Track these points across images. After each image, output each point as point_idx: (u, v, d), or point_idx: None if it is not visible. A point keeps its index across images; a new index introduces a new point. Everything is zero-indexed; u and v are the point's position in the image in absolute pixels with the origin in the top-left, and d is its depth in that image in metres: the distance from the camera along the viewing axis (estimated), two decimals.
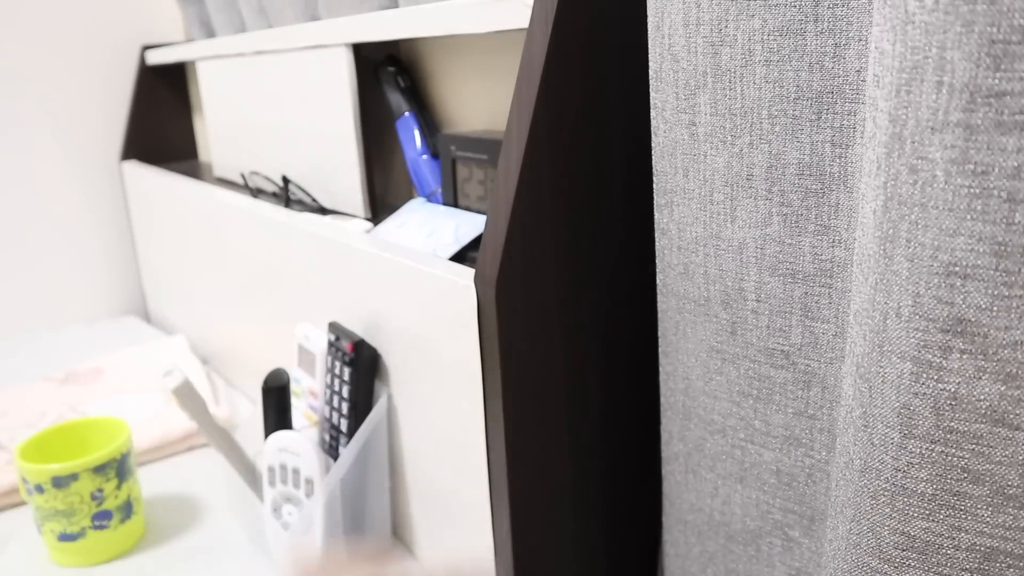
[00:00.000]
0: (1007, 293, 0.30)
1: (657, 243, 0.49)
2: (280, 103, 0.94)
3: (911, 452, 0.34)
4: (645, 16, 0.46)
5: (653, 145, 0.48)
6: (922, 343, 0.33)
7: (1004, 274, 0.30)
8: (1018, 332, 0.30)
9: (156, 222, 1.23)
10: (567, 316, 0.53)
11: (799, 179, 0.42)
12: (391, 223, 0.74)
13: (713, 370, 0.49)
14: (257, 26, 1.03)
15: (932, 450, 0.34)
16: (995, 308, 0.31)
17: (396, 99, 0.83)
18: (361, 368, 0.65)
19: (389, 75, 0.83)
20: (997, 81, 0.28)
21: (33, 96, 1.25)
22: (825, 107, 0.40)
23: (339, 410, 0.67)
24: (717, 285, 0.47)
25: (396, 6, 0.76)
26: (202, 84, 1.15)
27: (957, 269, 0.31)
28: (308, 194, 0.92)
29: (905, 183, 0.32)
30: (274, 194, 0.99)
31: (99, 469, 0.70)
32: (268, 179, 0.98)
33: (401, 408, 0.65)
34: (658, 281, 0.50)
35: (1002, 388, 0.31)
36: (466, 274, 0.53)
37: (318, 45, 0.82)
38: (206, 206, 1.00)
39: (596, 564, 0.61)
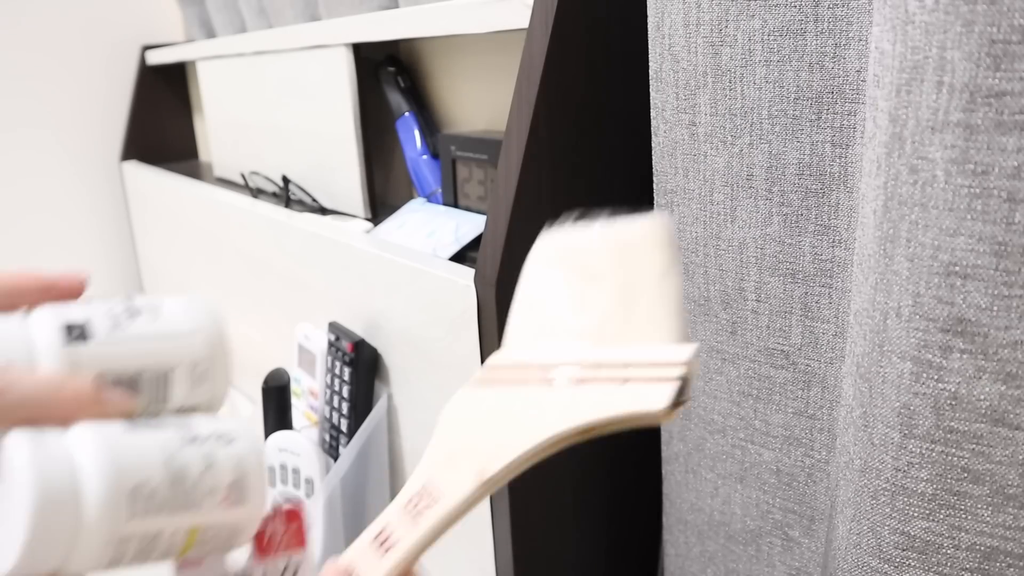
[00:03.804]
0: (1007, 293, 0.30)
1: None
2: (280, 103, 0.94)
3: (911, 452, 0.34)
4: (645, 16, 0.46)
5: (653, 145, 0.48)
6: (922, 343, 0.33)
7: (1004, 274, 0.30)
8: (1018, 332, 0.30)
9: (156, 222, 1.23)
10: None
11: (799, 179, 0.42)
12: (391, 223, 0.74)
13: (713, 370, 0.49)
14: (257, 26, 1.03)
15: (932, 450, 0.34)
16: (995, 308, 0.31)
17: (396, 99, 0.83)
18: (361, 368, 0.65)
19: (389, 75, 0.83)
20: (997, 81, 0.28)
21: (33, 96, 1.25)
22: (825, 107, 0.40)
23: (339, 410, 0.67)
24: (717, 285, 0.47)
25: (396, 6, 0.76)
26: (202, 84, 1.15)
27: (957, 269, 0.31)
28: (308, 194, 0.92)
29: (905, 183, 0.32)
30: (274, 194, 0.99)
31: None
32: (268, 179, 0.98)
33: (401, 408, 0.65)
34: None
35: (1002, 388, 0.31)
36: (466, 274, 0.53)
37: (318, 45, 0.82)
38: (206, 206, 1.00)
39: (596, 564, 0.61)
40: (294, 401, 0.74)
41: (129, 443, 0.28)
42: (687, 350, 0.27)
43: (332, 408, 0.68)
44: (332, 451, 0.69)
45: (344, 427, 0.67)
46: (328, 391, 0.69)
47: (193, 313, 0.32)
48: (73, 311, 0.29)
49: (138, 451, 0.28)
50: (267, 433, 0.70)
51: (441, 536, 0.30)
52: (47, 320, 0.29)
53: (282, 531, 0.32)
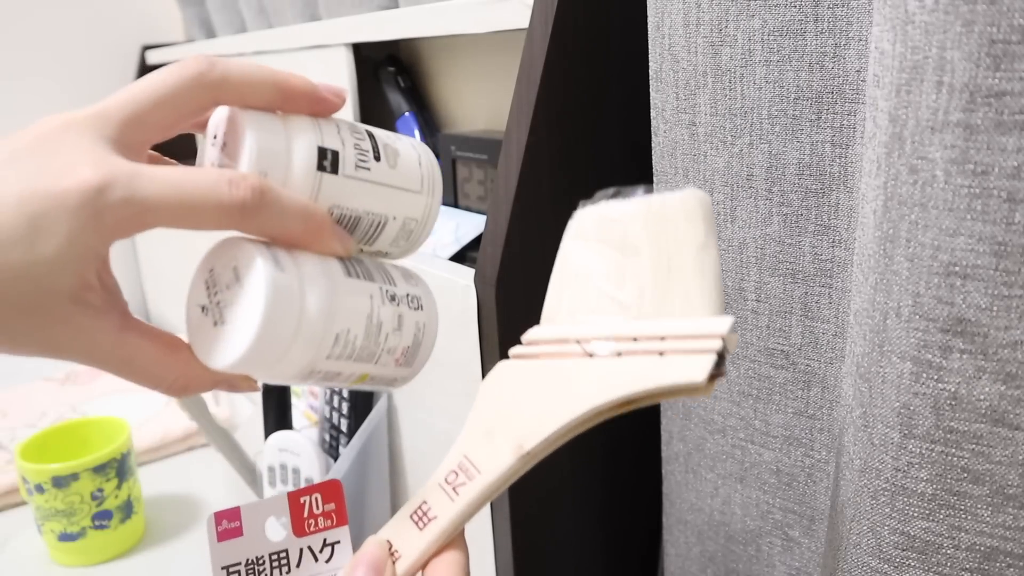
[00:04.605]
0: (1007, 293, 0.30)
1: None
2: None
3: (911, 452, 0.34)
4: (645, 16, 0.46)
5: (653, 145, 0.48)
6: (922, 343, 0.33)
7: (1004, 274, 0.30)
8: (1018, 332, 0.30)
9: None
10: None
11: (799, 179, 0.42)
12: None
13: None
14: (257, 26, 1.03)
15: (932, 450, 0.34)
16: (995, 308, 0.31)
17: (396, 99, 0.83)
18: None
19: (389, 75, 0.83)
20: (997, 81, 0.28)
21: (33, 96, 1.25)
22: (825, 107, 0.40)
23: (339, 410, 0.67)
24: None
25: (396, 6, 0.76)
26: None
27: (957, 269, 0.31)
28: None
29: (905, 183, 0.32)
30: None
31: (99, 469, 0.70)
32: None
33: (401, 408, 0.65)
34: None
35: (1002, 388, 0.31)
36: (466, 274, 0.53)
37: (318, 45, 0.82)
38: None
39: (596, 564, 0.61)
40: (294, 401, 0.74)
41: (346, 290, 0.29)
42: (724, 322, 0.28)
43: (332, 408, 0.68)
44: (332, 451, 0.69)
45: (344, 427, 0.67)
46: (328, 391, 0.69)
47: (425, 169, 0.33)
48: (329, 135, 0.30)
49: (351, 301, 0.29)
50: (267, 433, 0.70)
51: (479, 510, 0.30)
52: (308, 140, 0.29)
53: (321, 509, 0.33)
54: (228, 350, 0.28)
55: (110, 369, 0.28)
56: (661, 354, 0.28)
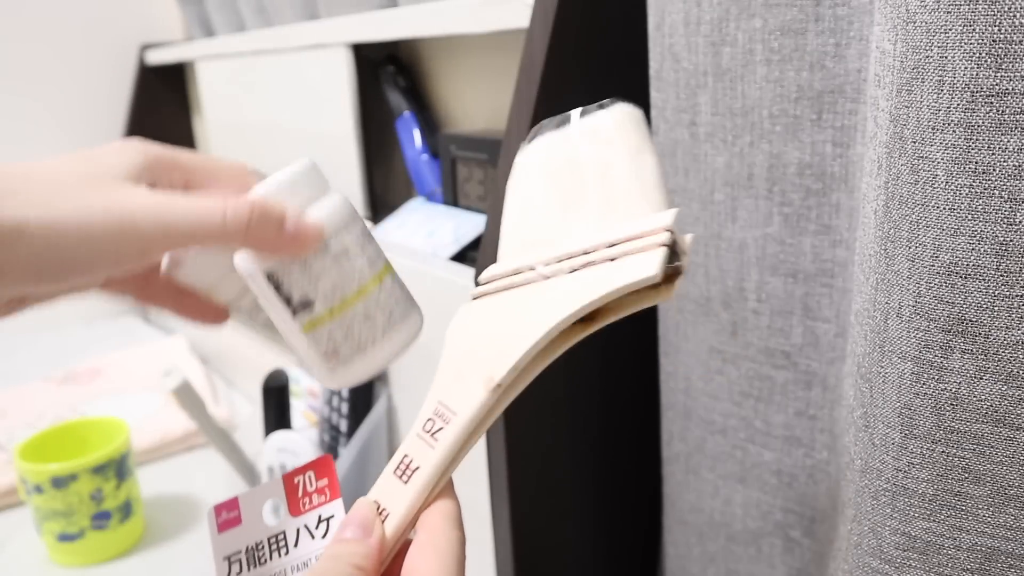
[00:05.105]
0: (1008, 293, 0.30)
1: None
2: (280, 103, 0.94)
3: (912, 452, 0.34)
4: (645, 16, 0.46)
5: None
6: (923, 343, 0.32)
7: (1005, 274, 0.30)
8: (1019, 332, 0.30)
9: None
10: None
11: (800, 179, 0.42)
12: (391, 223, 0.74)
13: (714, 370, 0.49)
14: (257, 26, 1.03)
15: (933, 450, 0.34)
16: (996, 308, 0.30)
17: (396, 99, 0.83)
18: None
19: (389, 75, 0.83)
20: (998, 80, 0.28)
21: (32, 96, 1.25)
22: (826, 107, 0.40)
23: (339, 410, 0.67)
24: (718, 285, 0.47)
25: (396, 5, 0.76)
26: (202, 84, 1.15)
27: (958, 269, 0.31)
28: None
29: (906, 183, 0.32)
30: None
31: (98, 469, 0.70)
32: None
33: (401, 408, 0.65)
34: None
35: (1003, 388, 0.31)
36: (466, 274, 0.53)
37: (318, 45, 0.82)
38: None
39: (596, 564, 0.61)
40: (293, 401, 0.74)
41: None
42: (667, 216, 0.28)
43: (331, 408, 0.68)
44: (331, 451, 0.69)
45: (343, 427, 0.67)
46: (327, 391, 0.69)
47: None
48: None
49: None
50: (267, 433, 0.70)
51: (463, 455, 0.29)
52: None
53: (315, 486, 0.33)
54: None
55: (159, 225, 0.30)
56: (613, 260, 0.28)
